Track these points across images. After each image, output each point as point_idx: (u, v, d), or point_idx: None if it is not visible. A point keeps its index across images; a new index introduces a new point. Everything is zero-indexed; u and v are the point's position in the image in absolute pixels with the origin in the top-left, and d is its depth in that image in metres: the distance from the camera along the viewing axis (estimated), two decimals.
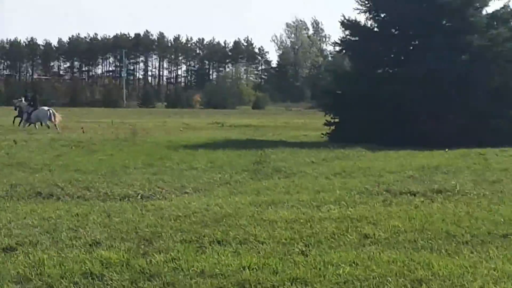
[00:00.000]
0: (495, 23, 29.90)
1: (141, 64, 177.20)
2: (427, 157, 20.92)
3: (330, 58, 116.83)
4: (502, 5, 30.74)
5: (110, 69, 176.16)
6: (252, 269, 7.60)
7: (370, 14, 30.89)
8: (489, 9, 30.78)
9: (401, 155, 21.85)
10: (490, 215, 10.80)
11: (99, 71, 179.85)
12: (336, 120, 30.85)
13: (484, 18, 29.39)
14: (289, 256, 8.17)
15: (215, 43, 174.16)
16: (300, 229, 9.74)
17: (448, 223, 10.12)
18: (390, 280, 7.17)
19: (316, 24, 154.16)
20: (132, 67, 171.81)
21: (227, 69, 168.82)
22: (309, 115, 67.61)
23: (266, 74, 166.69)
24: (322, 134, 30.95)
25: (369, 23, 31.50)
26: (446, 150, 22.77)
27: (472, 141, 24.63)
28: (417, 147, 23.92)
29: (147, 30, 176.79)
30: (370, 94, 28.44)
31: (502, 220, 10.32)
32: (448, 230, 9.62)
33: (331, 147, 24.06)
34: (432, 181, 14.95)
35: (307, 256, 8.17)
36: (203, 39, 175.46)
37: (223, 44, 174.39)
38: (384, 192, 13.36)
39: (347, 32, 31.38)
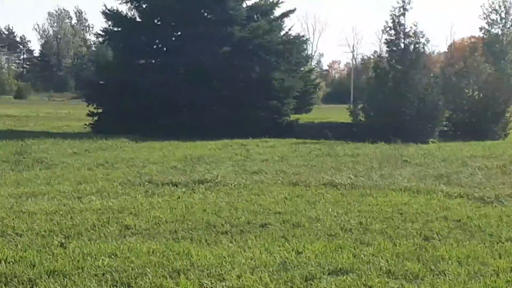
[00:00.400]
0: (256, 15, 30.67)
1: None
2: (190, 148, 21.09)
3: (93, 48, 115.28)
4: None
5: None
6: (9, 262, 7.28)
7: (132, 4, 30.64)
8: (249, 2, 31.47)
9: (164, 145, 21.87)
10: (250, 205, 11.02)
11: None
12: (100, 110, 30.40)
13: (244, 11, 30.01)
14: (47, 249, 7.91)
15: None
16: (60, 220, 9.48)
17: (208, 213, 10.21)
18: (149, 271, 7.09)
19: (79, 14, 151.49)
20: None
21: None
22: (73, 106, 66.30)
23: (28, 63, 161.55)
24: (85, 124, 30.38)
25: (131, 13, 31.23)
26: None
27: (235, 131, 25.12)
28: (181, 138, 24.03)
29: None
30: (133, 84, 28.26)
31: (262, 210, 10.56)
32: (209, 220, 9.69)
33: (94, 138, 23.62)
34: (195, 171, 15.05)
35: (66, 248, 7.93)
36: None
37: None
38: (146, 183, 13.28)
39: (110, 23, 30.96)
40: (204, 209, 10.53)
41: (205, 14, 30.48)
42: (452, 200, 11.52)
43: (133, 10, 30.94)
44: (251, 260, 7.55)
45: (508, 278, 6.95)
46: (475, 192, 12.15)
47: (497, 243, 8.36)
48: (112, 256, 7.61)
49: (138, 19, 31.20)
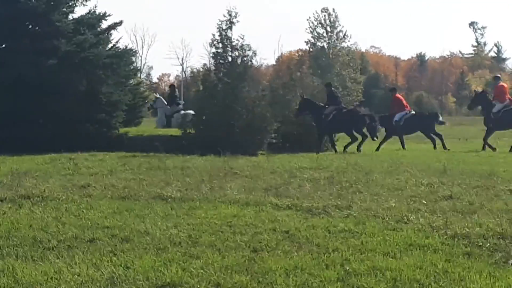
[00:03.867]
0: (82, 28, 30.21)
1: None
2: (17, 162, 20.47)
3: None
4: (88, 11, 31.02)
5: None
6: None
7: None
8: (76, 15, 30.93)
9: None
10: (78, 220, 10.82)
11: None
12: None
13: (70, 23, 29.50)
14: None
15: None
16: None
17: (35, 229, 9.95)
18: None
19: None
20: None
21: None
22: None
23: None
24: None
25: None
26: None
27: (63, 146, 24.53)
28: (6, 152, 23.26)
29: None
30: None
31: (90, 224, 10.40)
32: (35, 236, 9.44)
33: None
34: (21, 186, 14.58)
35: None
36: None
37: None
38: None
39: None
40: (30, 225, 10.25)
41: (30, 26, 29.75)
42: (281, 212, 11.74)
43: None
44: (78, 276, 7.42)
45: None
46: (303, 204, 12.41)
47: (324, 254, 8.58)
48: None
49: None
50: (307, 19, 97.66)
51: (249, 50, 28.48)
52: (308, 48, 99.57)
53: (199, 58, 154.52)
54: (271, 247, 8.94)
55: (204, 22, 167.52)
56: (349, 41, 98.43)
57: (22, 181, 15.65)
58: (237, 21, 28.37)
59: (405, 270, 7.78)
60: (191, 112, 31.67)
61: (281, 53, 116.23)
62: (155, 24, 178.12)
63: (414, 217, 11.03)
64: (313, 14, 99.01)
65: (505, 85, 31.77)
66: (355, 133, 29.34)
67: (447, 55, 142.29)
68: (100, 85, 29.03)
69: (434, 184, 15.12)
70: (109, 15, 31.14)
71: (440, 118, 32.38)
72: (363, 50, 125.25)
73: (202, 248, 8.83)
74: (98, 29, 31.22)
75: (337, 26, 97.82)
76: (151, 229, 9.98)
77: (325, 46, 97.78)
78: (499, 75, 35.35)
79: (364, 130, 29.18)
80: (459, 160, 21.92)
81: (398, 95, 33.31)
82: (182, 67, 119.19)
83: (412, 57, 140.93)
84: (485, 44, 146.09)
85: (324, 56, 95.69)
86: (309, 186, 14.95)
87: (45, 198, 13.07)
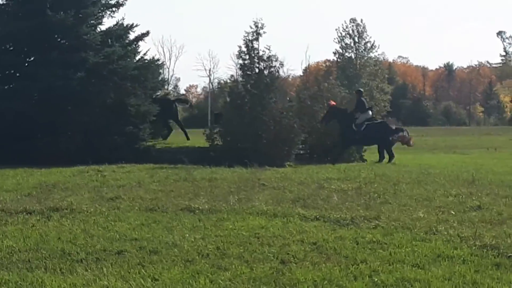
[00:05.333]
0: (110, 40, 30.39)
1: None
2: (45, 175, 20.59)
3: None
4: (115, 22, 31.24)
5: None
6: None
7: None
8: (103, 27, 31.10)
9: (18, 172, 21.25)
10: (106, 232, 10.87)
11: None
12: None
13: (98, 36, 29.70)
14: None
15: None
16: None
17: (63, 241, 10.01)
18: None
19: None
20: None
21: None
22: None
23: None
24: None
25: None
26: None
27: (91, 158, 24.68)
28: (35, 165, 23.43)
29: None
30: None
31: (118, 236, 10.44)
32: (64, 248, 9.50)
33: None
34: (50, 199, 14.71)
35: None
36: None
37: None
38: None
39: None
40: (59, 237, 10.32)
41: (59, 39, 29.95)
42: (309, 223, 11.72)
43: None
44: None
45: None
46: (331, 215, 12.39)
47: (353, 265, 8.55)
48: None
49: None
50: (336, 29, 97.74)
51: (276, 61, 28.48)
52: (335, 59, 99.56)
53: (226, 69, 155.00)
54: (299, 259, 8.92)
55: (231, 33, 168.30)
56: (376, 51, 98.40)
57: (51, 193, 15.77)
58: (264, 32, 28.43)
59: (434, 281, 7.72)
60: None
61: (308, 64, 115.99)
62: (182, 36, 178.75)
63: (443, 228, 10.97)
64: (342, 24, 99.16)
65: None
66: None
67: (475, 65, 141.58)
68: (128, 97, 29.12)
69: (462, 195, 15.03)
70: (136, 26, 31.32)
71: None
72: (390, 60, 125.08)
73: (230, 260, 8.83)
74: (126, 40, 31.37)
75: (365, 36, 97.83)
76: (179, 241, 10.00)
77: (353, 56, 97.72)
78: None
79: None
80: (487, 170, 21.77)
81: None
82: (209, 79, 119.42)
83: (439, 67, 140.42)
84: None
85: (352, 66, 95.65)
86: (337, 197, 14.91)
87: (74, 210, 13.15)
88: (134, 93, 29.47)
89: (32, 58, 30.30)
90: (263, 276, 7.99)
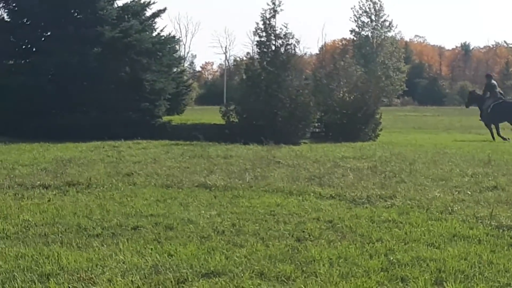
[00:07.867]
0: (127, 16, 30.38)
1: None
2: (61, 150, 20.69)
3: None
4: None
5: None
6: None
7: (1, 4, 29.92)
8: (120, 2, 31.22)
9: (34, 147, 21.38)
10: (122, 207, 10.91)
11: None
12: None
13: (115, 11, 29.69)
14: None
15: None
16: None
17: (79, 216, 10.05)
18: (17, 275, 6.95)
19: None
20: None
21: None
22: None
23: None
24: None
25: (1, 13, 30.49)
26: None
27: (106, 133, 24.77)
28: (51, 140, 23.54)
29: None
30: (1, 85, 27.44)
31: (134, 212, 10.48)
32: (80, 223, 9.54)
33: None
34: (66, 174, 14.76)
35: None
36: None
37: None
38: (16, 186, 13.00)
39: None
40: (75, 212, 10.36)
41: (75, 14, 29.96)
42: (324, 201, 11.70)
43: (1, 10, 30.22)
44: (123, 263, 7.47)
45: (379, 279, 7.10)
46: (346, 193, 12.37)
47: (368, 244, 8.54)
48: None
49: (6, 19, 30.40)
50: (352, 8, 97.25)
51: (292, 38, 28.41)
52: (352, 37, 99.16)
53: (243, 46, 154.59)
54: (315, 237, 8.91)
55: (247, 11, 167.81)
56: (393, 30, 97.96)
57: (67, 168, 15.82)
58: (281, 10, 28.33)
59: (449, 260, 7.70)
60: None
61: (325, 42, 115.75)
62: (198, 13, 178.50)
63: (459, 207, 10.94)
64: (358, 2, 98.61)
65: None
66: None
67: (492, 45, 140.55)
68: (144, 73, 29.13)
69: (478, 175, 14.97)
70: (153, 3, 31.33)
71: None
72: (407, 39, 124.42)
73: (246, 237, 8.84)
74: (143, 16, 31.36)
75: (382, 15, 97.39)
76: (194, 218, 10.01)
77: (369, 35, 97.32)
78: None
79: None
80: (503, 150, 21.68)
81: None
82: (226, 56, 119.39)
83: (456, 47, 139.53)
84: None
85: (368, 45, 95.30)
86: (353, 175, 14.88)
87: (90, 185, 13.19)
88: (150, 68, 29.46)
89: (48, 33, 30.33)
90: (278, 253, 7.99)
